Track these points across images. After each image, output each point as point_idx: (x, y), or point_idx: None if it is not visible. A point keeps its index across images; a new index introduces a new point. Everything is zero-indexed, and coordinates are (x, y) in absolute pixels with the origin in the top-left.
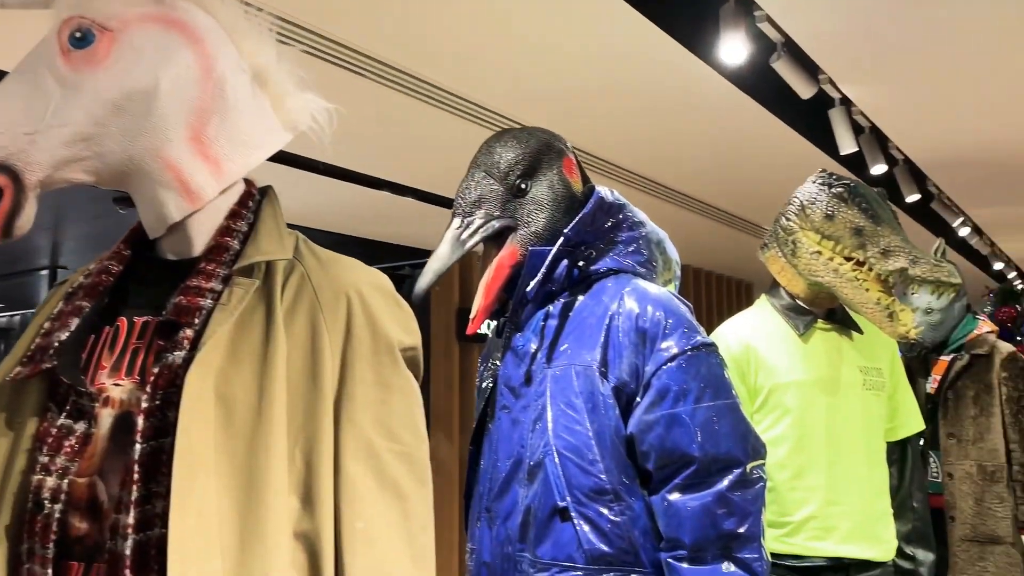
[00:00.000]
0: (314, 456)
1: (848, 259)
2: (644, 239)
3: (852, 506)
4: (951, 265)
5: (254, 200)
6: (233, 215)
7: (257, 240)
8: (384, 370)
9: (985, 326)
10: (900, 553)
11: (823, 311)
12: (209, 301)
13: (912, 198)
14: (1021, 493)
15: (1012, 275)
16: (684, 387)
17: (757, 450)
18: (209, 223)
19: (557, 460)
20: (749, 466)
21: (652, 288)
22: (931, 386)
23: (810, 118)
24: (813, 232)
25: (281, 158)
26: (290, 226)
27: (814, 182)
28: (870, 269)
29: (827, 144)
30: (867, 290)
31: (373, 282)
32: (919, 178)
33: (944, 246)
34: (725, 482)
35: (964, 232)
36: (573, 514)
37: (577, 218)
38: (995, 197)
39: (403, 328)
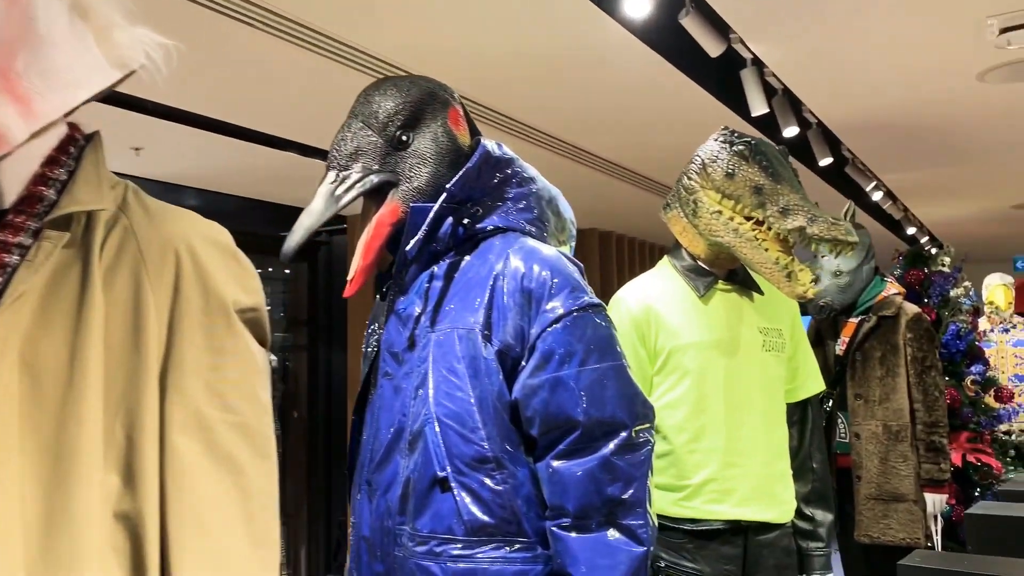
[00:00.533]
0: (136, 429)
1: (748, 218)
2: (534, 196)
3: (751, 468)
4: (848, 224)
5: (77, 146)
6: (50, 162)
7: (74, 189)
8: (217, 333)
9: (892, 288)
10: (799, 514)
11: (724, 272)
12: (16, 258)
13: (825, 162)
14: (924, 452)
15: (924, 240)
16: (569, 350)
17: (644, 413)
18: (21, 170)
19: (437, 428)
20: (635, 429)
21: (540, 247)
22: (840, 348)
23: (722, 78)
24: (714, 191)
25: (182, 118)
26: (197, 191)
27: (716, 140)
28: (769, 228)
29: (739, 105)
30: (766, 250)
31: (207, 235)
32: (832, 142)
33: (854, 208)
34: (610, 447)
35: (877, 196)
36: (453, 484)
37: (461, 172)
38: (907, 162)
39: (241, 286)
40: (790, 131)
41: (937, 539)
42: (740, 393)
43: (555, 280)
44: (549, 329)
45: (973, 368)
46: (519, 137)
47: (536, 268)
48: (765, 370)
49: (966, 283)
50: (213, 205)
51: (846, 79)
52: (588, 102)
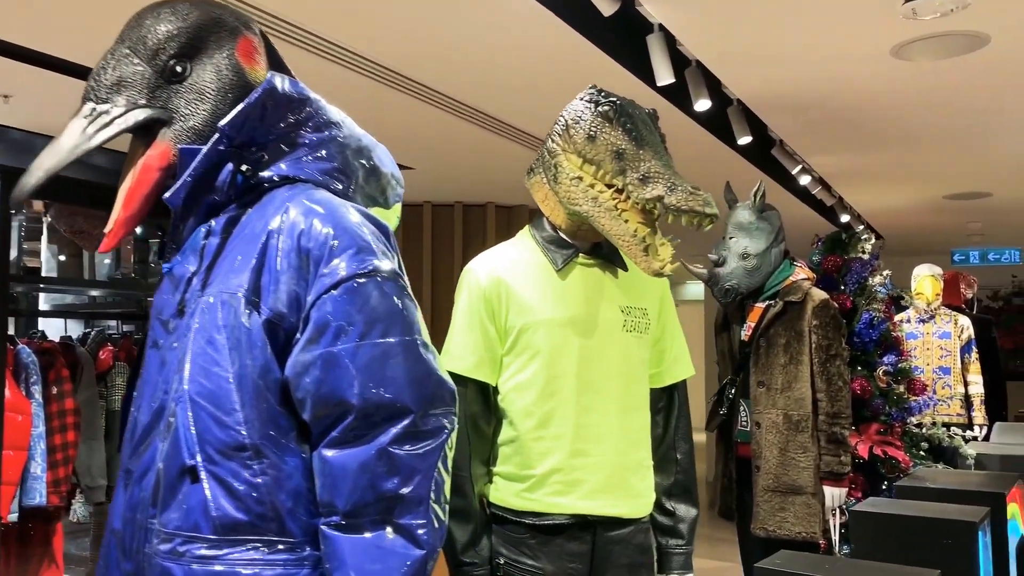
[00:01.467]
0: None
1: (609, 186)
2: (336, 144)
3: (602, 458)
4: (708, 195)
5: None
6: None
7: None
8: None
9: (801, 273)
10: (659, 508)
11: (587, 245)
12: None
13: (744, 140)
14: (825, 444)
15: (860, 228)
16: (347, 321)
17: (440, 395)
18: None
19: (189, 410)
20: (422, 415)
21: (330, 200)
22: (745, 333)
23: (630, 46)
24: (575, 155)
25: (54, 65)
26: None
27: (581, 99)
28: (628, 197)
29: (648, 74)
30: (626, 221)
31: None
32: (754, 121)
33: (763, 189)
34: (390, 434)
35: (805, 181)
36: (203, 474)
37: (237, 109)
38: (833, 145)
39: None
40: (702, 104)
41: (835, 535)
42: (594, 376)
43: (337, 238)
44: (325, 296)
45: (886, 358)
46: (422, 99)
47: (317, 224)
48: (625, 352)
49: (886, 272)
50: (85, 158)
51: (759, 53)
52: (498, 68)
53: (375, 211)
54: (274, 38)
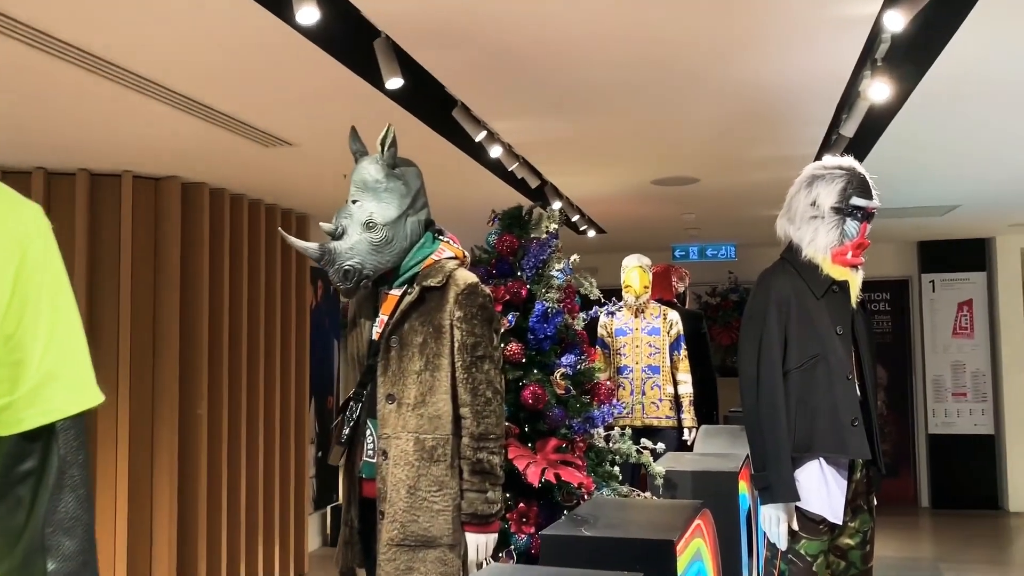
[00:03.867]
0: None
1: None
2: None
3: None
4: None
5: None
6: None
7: None
8: None
9: (447, 250)
10: None
11: None
12: None
13: (393, 83)
14: (468, 476)
15: (576, 219)
16: None
17: None
18: None
19: None
20: None
21: None
22: (376, 330)
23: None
24: None
25: None
26: None
27: None
28: None
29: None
30: None
31: None
32: (407, 61)
33: (392, 133)
34: None
35: (497, 152)
36: None
37: None
38: (514, 105)
39: None
40: (306, 15)
41: None
42: None
43: None
44: None
45: (564, 359)
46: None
47: None
48: None
49: (573, 256)
50: None
51: None
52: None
53: None
54: None
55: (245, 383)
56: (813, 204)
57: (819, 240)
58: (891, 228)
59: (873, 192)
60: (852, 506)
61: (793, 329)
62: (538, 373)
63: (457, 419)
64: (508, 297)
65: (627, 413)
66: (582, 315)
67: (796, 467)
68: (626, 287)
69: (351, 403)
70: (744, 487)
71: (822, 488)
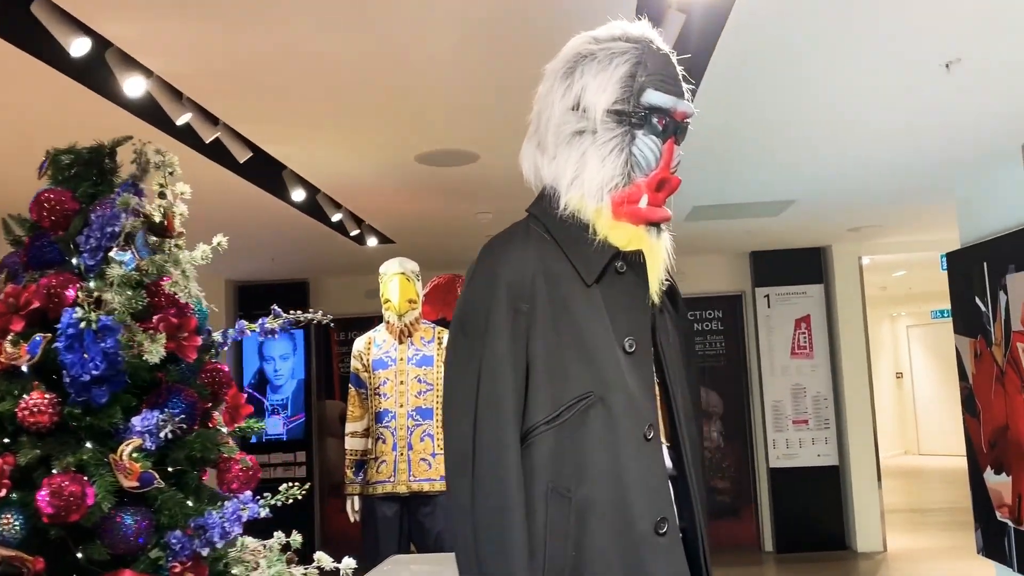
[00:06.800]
0: None
1: None
2: None
3: None
4: None
5: None
6: None
7: None
8: None
9: None
10: None
11: None
12: None
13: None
14: None
15: (337, 218)
16: None
17: None
18: None
19: None
20: None
21: None
22: None
23: None
24: None
25: None
26: None
27: None
28: None
29: None
30: None
31: None
32: None
33: None
34: None
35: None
36: None
37: None
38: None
39: None
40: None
41: None
42: None
43: None
44: None
45: (140, 419)
46: None
47: None
48: None
49: (219, 238)
50: None
51: None
52: None
53: None
54: None
55: None
56: (576, 108)
57: (588, 175)
58: (722, 236)
59: (685, 87)
60: None
61: (541, 348)
62: (89, 448)
63: None
64: (37, 304)
65: (388, 476)
66: (217, 335)
67: None
68: (385, 302)
69: None
70: None
71: None
